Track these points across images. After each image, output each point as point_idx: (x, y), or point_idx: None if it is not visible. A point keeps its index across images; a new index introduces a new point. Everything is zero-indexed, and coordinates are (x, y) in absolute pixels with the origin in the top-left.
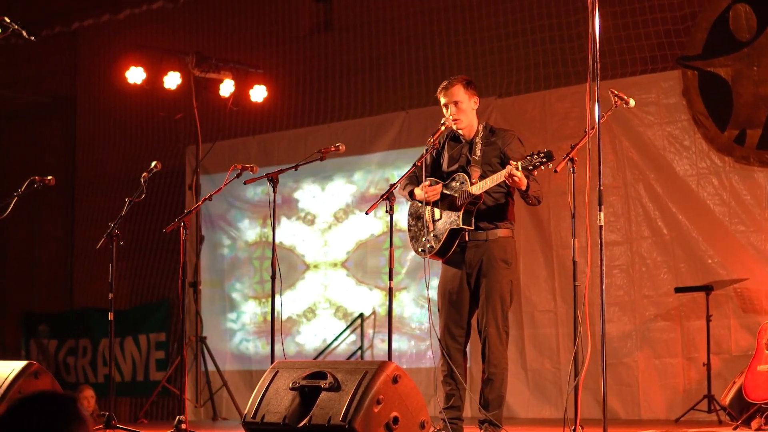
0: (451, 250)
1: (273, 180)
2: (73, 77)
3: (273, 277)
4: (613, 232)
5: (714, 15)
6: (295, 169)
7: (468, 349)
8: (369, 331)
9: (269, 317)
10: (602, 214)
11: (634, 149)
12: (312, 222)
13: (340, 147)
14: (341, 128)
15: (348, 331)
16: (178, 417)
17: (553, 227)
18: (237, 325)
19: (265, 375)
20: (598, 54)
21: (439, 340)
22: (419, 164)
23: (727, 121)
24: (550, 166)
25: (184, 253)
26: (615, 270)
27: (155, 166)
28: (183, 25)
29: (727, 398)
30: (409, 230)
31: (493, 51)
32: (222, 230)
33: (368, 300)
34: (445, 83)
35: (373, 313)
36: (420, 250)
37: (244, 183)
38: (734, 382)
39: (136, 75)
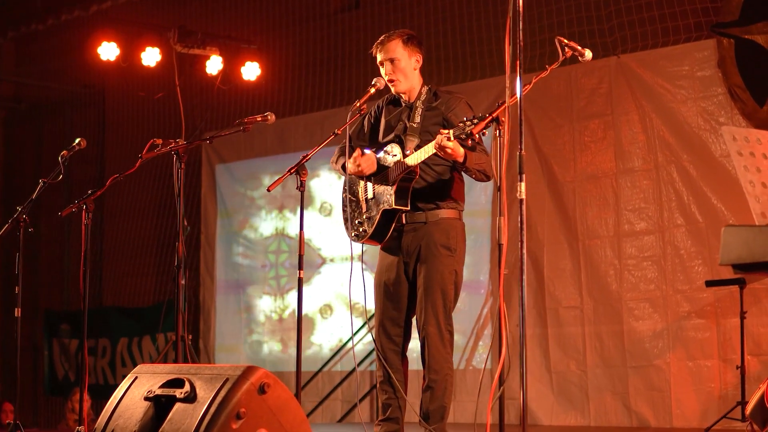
0: (387, 235)
1: (179, 153)
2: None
3: (178, 268)
4: (643, 219)
5: None
6: (210, 142)
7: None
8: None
9: (284, 315)
10: (523, 184)
11: (666, 128)
12: (329, 213)
13: (269, 117)
14: None
15: (365, 330)
16: (78, 428)
17: (578, 214)
18: (251, 324)
19: (123, 382)
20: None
21: (374, 339)
22: (339, 132)
23: (766, 94)
24: (486, 134)
25: (87, 239)
26: (645, 262)
27: (78, 143)
28: (201, 4)
29: (749, 407)
30: (343, 211)
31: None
32: (237, 222)
33: None
34: (382, 37)
35: None
36: (353, 234)
37: (141, 157)
38: (759, 388)
39: (108, 51)
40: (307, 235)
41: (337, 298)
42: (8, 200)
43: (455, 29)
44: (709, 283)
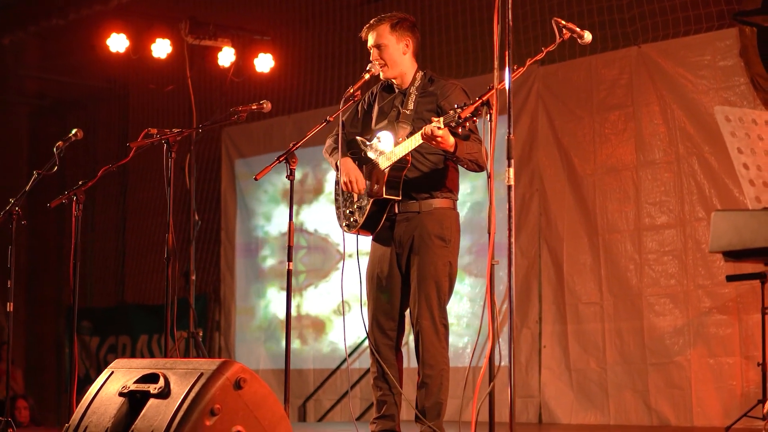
0: (379, 225)
1: (169, 143)
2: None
3: (168, 260)
4: (664, 213)
5: None
6: (199, 131)
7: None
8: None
9: (303, 311)
10: (512, 170)
11: (687, 119)
12: None
13: (264, 105)
14: None
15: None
16: (66, 425)
17: (598, 208)
18: (271, 321)
19: (99, 377)
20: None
21: (367, 334)
22: (331, 119)
23: None
24: (476, 121)
25: (77, 232)
26: (666, 256)
27: (75, 134)
28: None
29: (766, 405)
30: (336, 200)
31: (534, 13)
32: (257, 218)
33: None
34: (372, 21)
35: None
36: (345, 224)
37: (129, 146)
38: None
39: (118, 43)
40: (325, 230)
41: (355, 295)
42: (32, 195)
43: (474, 21)
44: (730, 278)
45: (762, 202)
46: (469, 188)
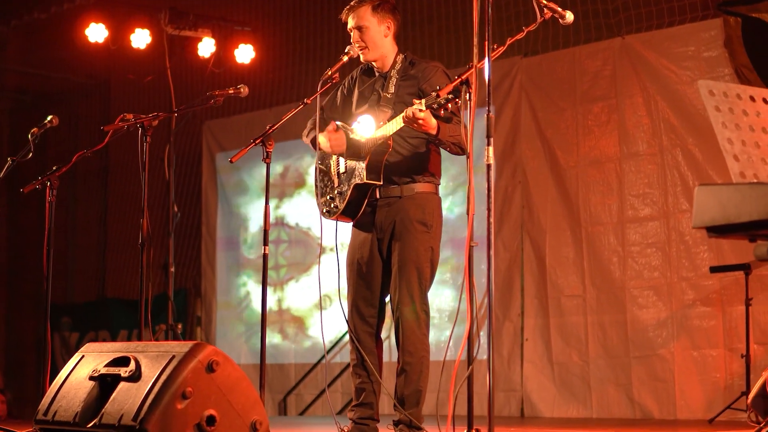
0: (360, 210)
1: (144, 126)
2: (107, 55)
3: (142, 246)
4: (647, 205)
5: None
6: (176, 114)
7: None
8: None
9: (284, 306)
10: (491, 148)
11: (671, 110)
12: None
13: (242, 89)
14: None
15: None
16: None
17: (581, 200)
18: (251, 315)
19: (69, 361)
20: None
21: (347, 321)
22: (309, 102)
23: None
24: (458, 103)
25: (51, 219)
26: (649, 249)
27: (51, 120)
28: None
29: (750, 395)
30: (316, 187)
31: (517, 3)
32: (238, 212)
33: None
34: (352, 2)
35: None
36: (325, 210)
37: (103, 129)
38: (761, 376)
39: (96, 33)
40: (306, 224)
41: (336, 289)
42: (13, 191)
43: (456, 13)
44: (714, 269)
45: (746, 177)
46: (455, 183)
